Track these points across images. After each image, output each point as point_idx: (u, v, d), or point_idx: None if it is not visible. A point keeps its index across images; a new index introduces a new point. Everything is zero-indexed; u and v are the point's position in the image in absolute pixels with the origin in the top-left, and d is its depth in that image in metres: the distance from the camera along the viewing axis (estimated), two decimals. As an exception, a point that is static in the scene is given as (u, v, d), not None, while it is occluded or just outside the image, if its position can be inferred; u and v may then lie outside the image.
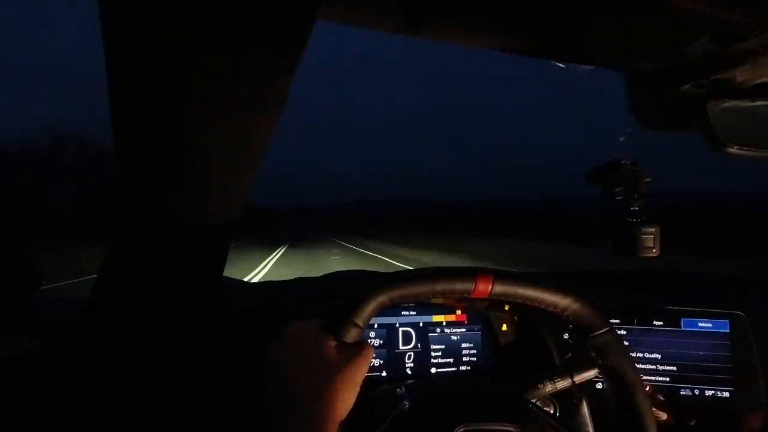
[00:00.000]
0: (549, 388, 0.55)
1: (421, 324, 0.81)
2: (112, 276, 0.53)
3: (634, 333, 0.77)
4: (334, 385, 0.41)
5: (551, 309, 0.52)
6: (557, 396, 0.60)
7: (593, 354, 0.53)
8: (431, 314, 0.82)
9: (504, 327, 0.82)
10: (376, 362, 0.77)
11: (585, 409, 0.61)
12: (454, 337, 0.82)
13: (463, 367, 0.81)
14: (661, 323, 0.77)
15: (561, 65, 0.42)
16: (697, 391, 0.74)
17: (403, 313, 0.81)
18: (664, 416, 0.71)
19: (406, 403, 0.48)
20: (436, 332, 0.81)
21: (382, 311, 0.48)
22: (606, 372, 0.53)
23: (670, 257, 0.75)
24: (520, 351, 0.80)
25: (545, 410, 0.55)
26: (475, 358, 0.82)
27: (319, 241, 24.86)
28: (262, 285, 0.90)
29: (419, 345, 0.80)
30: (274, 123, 0.40)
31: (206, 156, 0.41)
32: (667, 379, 0.76)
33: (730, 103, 0.40)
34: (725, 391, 0.73)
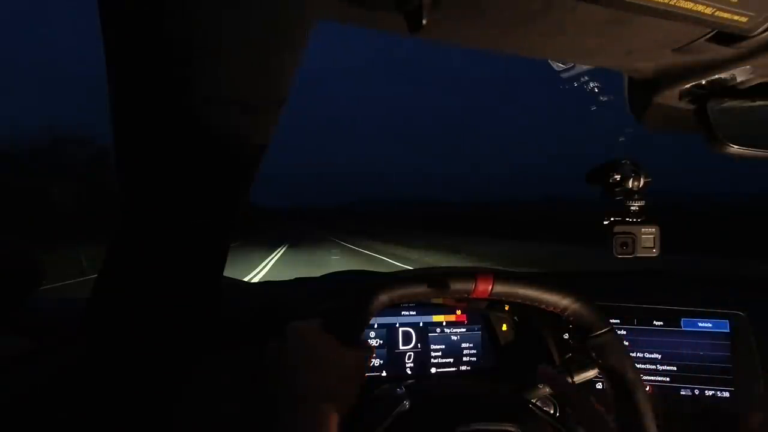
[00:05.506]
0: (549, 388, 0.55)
1: (421, 324, 0.81)
2: (112, 276, 0.53)
3: (634, 333, 0.77)
4: (335, 385, 0.41)
5: (551, 309, 0.52)
6: (557, 396, 0.60)
7: (593, 354, 0.53)
8: (431, 314, 0.82)
9: (504, 327, 0.82)
10: (376, 362, 0.77)
11: None
12: (454, 337, 0.82)
13: (463, 367, 0.81)
14: (661, 323, 0.77)
15: (561, 65, 0.41)
16: (697, 391, 0.74)
17: (403, 313, 0.81)
18: None
19: (406, 403, 0.48)
20: (436, 332, 0.81)
21: (382, 311, 0.48)
22: (606, 372, 0.53)
23: (671, 257, 0.75)
24: (520, 351, 0.80)
25: (545, 410, 0.55)
26: (475, 358, 0.82)
27: (318, 240, 24.84)
28: (262, 285, 0.90)
29: (419, 345, 0.80)
30: (274, 123, 0.40)
31: (206, 156, 0.41)
32: (667, 379, 0.75)
33: (730, 103, 0.40)
34: (725, 391, 0.73)
